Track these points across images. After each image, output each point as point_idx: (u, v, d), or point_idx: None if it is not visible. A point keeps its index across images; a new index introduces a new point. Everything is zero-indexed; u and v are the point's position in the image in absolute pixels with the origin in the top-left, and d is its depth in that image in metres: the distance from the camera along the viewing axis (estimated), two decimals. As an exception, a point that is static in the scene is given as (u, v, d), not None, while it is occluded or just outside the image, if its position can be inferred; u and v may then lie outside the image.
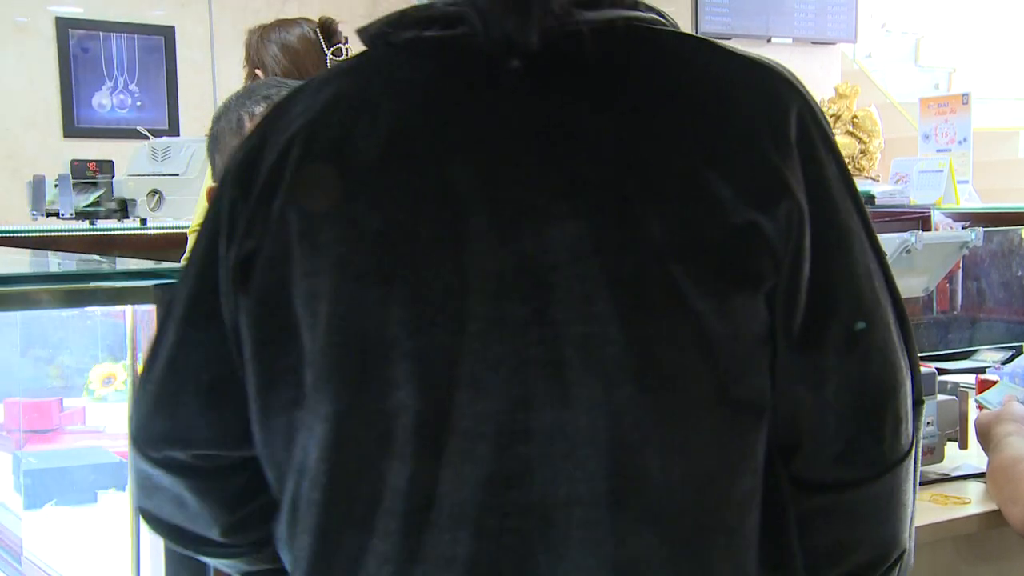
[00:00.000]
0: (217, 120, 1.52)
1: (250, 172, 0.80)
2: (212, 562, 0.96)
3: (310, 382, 0.77)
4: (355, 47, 2.63)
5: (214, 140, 1.52)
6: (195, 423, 0.83)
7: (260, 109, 1.46)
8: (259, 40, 2.53)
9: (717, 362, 0.75)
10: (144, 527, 0.99)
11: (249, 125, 1.46)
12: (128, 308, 1.01)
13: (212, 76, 5.44)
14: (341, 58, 2.53)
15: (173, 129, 5.32)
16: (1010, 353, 2.59)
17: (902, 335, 0.81)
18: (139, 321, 1.01)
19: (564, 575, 0.74)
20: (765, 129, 0.76)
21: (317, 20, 2.55)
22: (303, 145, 0.78)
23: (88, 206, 2.99)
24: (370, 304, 0.75)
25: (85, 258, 1.43)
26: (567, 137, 0.75)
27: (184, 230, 2.67)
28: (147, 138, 3.15)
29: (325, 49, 2.51)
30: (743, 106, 0.77)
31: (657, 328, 0.74)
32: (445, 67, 0.79)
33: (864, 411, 0.80)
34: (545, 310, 0.73)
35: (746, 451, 0.77)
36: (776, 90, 0.78)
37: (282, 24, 2.54)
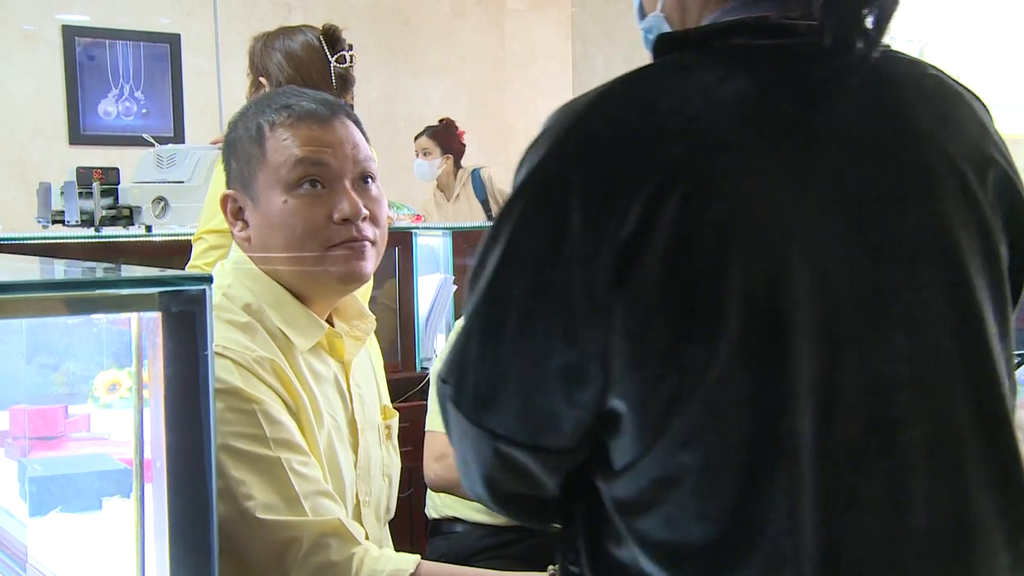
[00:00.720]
0: (234, 127, 1.51)
1: (619, 163, 0.86)
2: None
3: (707, 355, 0.86)
4: (359, 54, 2.59)
5: (231, 146, 1.51)
6: (537, 418, 0.92)
7: (281, 118, 1.45)
8: (263, 48, 2.53)
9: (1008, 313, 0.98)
10: (149, 534, 1.00)
11: (269, 133, 1.45)
12: (133, 315, 1.01)
13: (217, 83, 5.45)
14: (345, 65, 2.53)
15: (178, 136, 5.34)
16: (1016, 360, 2.59)
17: None
18: (144, 328, 1.00)
19: (948, 495, 0.91)
20: (998, 135, 1.01)
21: (320, 28, 2.54)
22: (686, 135, 0.87)
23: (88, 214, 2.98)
24: (774, 277, 0.86)
25: (90, 265, 1.43)
26: (902, 133, 0.94)
27: (189, 237, 2.67)
28: (152, 145, 3.16)
29: (329, 56, 2.51)
30: (984, 116, 1.01)
31: (996, 285, 0.95)
32: (783, 69, 0.93)
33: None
34: (913, 277, 0.90)
35: None
36: (986, 109, 1.03)
37: (285, 32, 2.53)
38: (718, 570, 0.88)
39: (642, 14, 1.06)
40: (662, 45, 0.96)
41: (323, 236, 1.43)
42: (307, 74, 2.47)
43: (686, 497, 0.88)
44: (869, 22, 0.92)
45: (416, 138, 5.23)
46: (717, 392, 0.86)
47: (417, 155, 5.20)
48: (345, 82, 2.55)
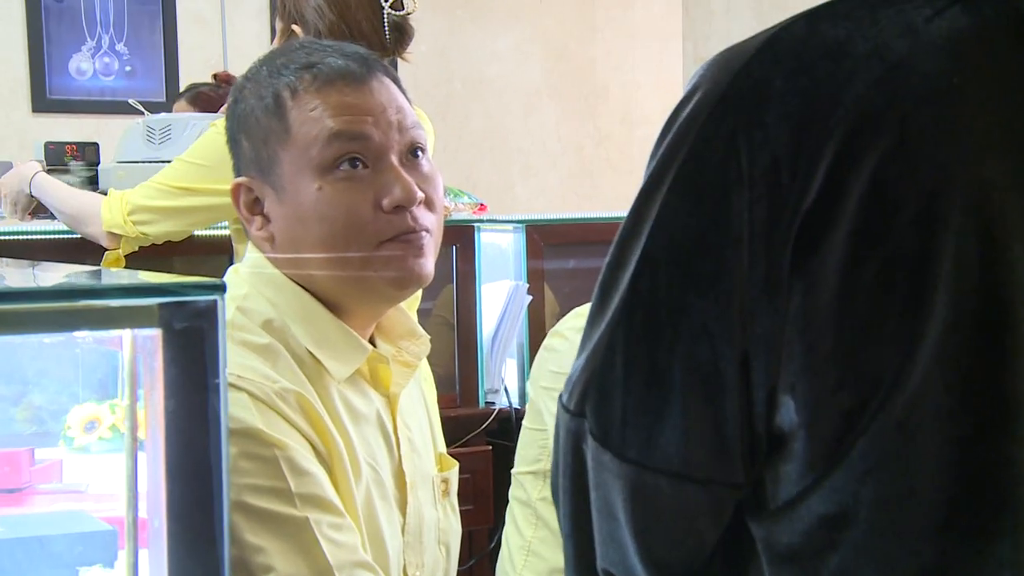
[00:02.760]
0: (241, 95, 1.53)
1: (800, 119, 0.90)
2: None
3: (902, 360, 0.88)
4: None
5: (240, 121, 1.53)
6: (707, 444, 0.94)
7: (305, 81, 1.47)
8: None
9: None
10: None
11: (292, 103, 1.47)
12: (126, 333, 1.03)
13: (222, 34, 5.51)
14: (402, 12, 2.55)
15: (172, 102, 5.40)
16: None
17: None
18: (140, 349, 1.03)
19: None
20: None
21: None
22: (887, 84, 0.90)
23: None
24: (992, 264, 0.88)
25: (68, 269, 1.47)
26: None
27: (195, 232, 2.71)
28: (141, 113, 3.21)
29: (382, 0, 2.53)
30: None
31: None
32: (1008, 6, 0.94)
33: None
34: None
35: None
36: None
37: None
38: None
39: None
40: None
41: (371, 230, 1.45)
42: (354, 22, 2.50)
43: (865, 540, 0.90)
44: None
45: (175, 101, 4.69)
46: (913, 407, 0.88)
47: None
48: (402, 34, 2.58)
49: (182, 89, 4.80)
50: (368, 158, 1.46)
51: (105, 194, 2.75)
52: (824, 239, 0.88)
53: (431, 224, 1.49)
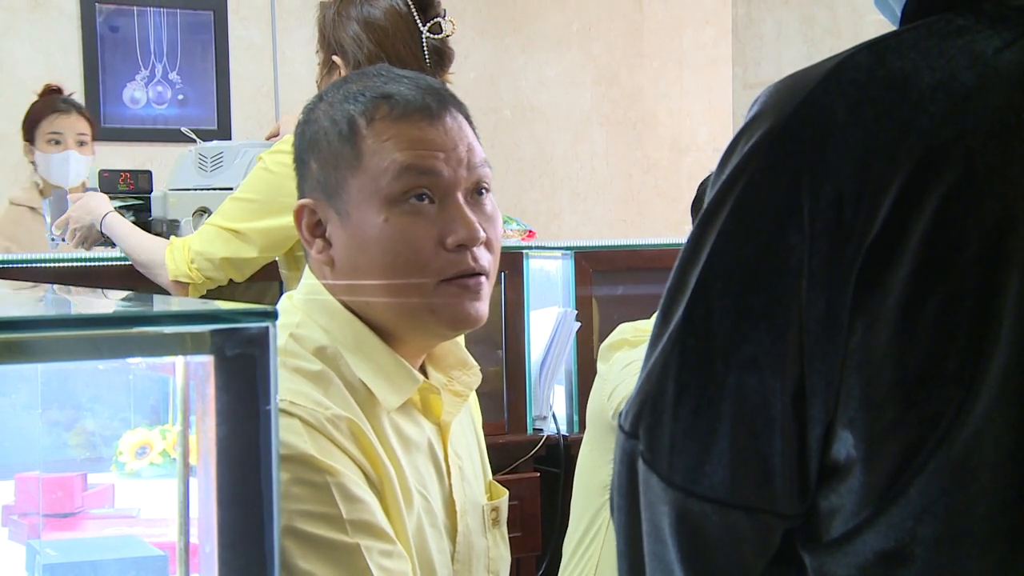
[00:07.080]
0: (312, 116, 1.54)
1: (864, 151, 0.90)
2: None
3: (963, 398, 0.88)
4: (454, 19, 2.60)
5: (310, 142, 1.53)
6: (756, 473, 0.95)
7: (382, 111, 1.48)
8: (336, 17, 2.57)
9: None
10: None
11: (366, 131, 1.47)
12: (179, 359, 1.03)
13: (273, 63, 5.55)
14: (441, 36, 2.56)
15: (223, 130, 5.43)
16: None
17: None
18: (192, 376, 1.03)
19: None
20: None
21: None
22: (954, 117, 0.89)
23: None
24: None
25: (119, 295, 1.48)
26: None
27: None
28: (193, 141, 3.23)
29: (420, 25, 2.54)
30: None
31: None
32: None
33: None
34: None
35: None
36: None
37: None
38: None
39: None
40: (917, 4, 0.97)
41: (432, 267, 1.45)
42: (393, 49, 2.50)
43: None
44: None
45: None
46: (973, 445, 0.87)
47: (64, 142, 4.13)
48: (442, 57, 2.58)
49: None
50: (435, 194, 1.46)
51: (168, 236, 2.74)
52: (887, 275, 0.88)
53: (488, 264, 1.49)
